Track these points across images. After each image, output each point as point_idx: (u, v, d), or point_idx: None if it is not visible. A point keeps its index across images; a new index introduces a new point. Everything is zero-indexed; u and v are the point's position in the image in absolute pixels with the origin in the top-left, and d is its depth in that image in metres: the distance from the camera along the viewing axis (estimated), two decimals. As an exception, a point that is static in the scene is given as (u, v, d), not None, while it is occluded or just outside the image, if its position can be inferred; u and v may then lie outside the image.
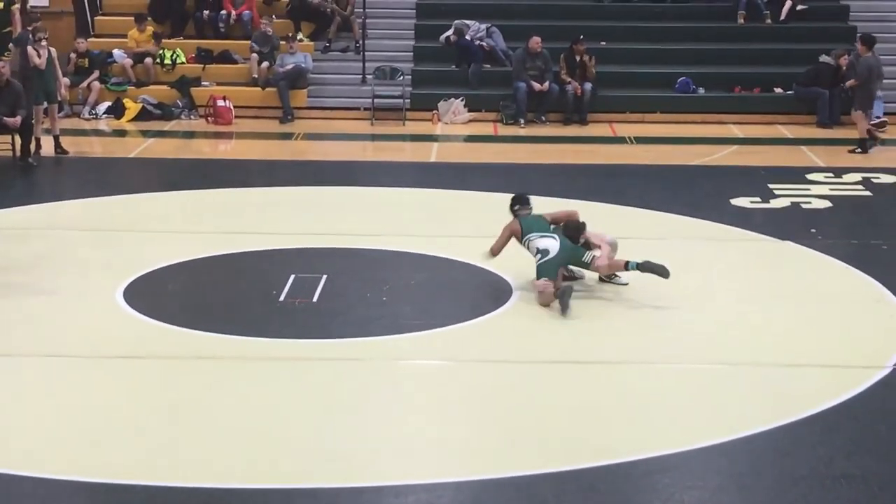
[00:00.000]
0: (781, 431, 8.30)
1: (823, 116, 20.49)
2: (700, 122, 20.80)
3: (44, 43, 17.82)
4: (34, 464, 7.70)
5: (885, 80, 20.67)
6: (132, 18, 21.80)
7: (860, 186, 15.98)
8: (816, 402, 8.76)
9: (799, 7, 22.77)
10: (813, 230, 13.56)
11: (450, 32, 22.00)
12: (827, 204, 14.99)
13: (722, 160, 18.07)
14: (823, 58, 20.79)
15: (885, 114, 20.38)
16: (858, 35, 20.09)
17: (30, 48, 17.61)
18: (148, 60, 21.32)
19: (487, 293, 11.15)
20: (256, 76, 21.11)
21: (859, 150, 18.25)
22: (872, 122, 20.14)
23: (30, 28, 18.47)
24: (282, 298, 11.01)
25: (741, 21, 22.57)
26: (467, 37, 21.71)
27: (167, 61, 21.49)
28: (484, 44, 21.80)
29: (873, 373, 9.34)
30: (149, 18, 21.84)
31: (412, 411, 8.72)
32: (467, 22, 21.95)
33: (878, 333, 10.33)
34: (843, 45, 21.24)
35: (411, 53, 22.17)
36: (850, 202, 15.20)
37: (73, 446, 8.04)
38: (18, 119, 16.59)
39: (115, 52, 21.54)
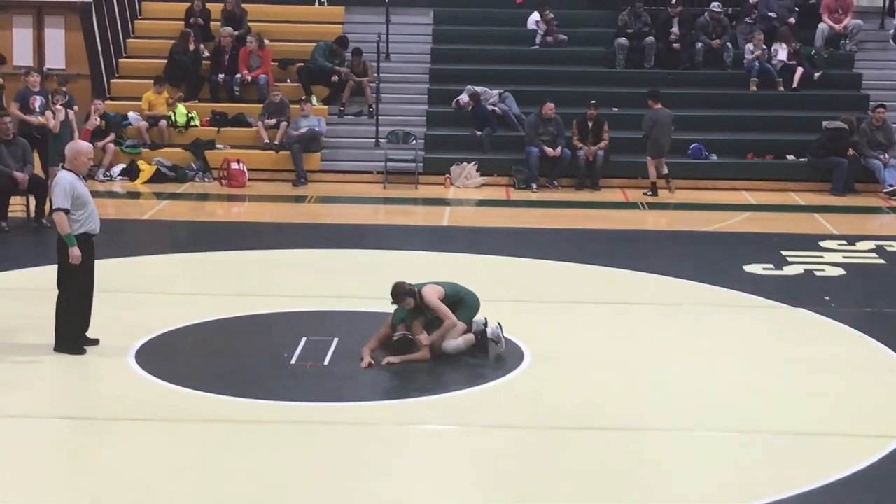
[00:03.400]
0: (795, 501, 8.23)
1: (839, 185, 20.49)
2: (712, 188, 20.83)
3: (59, 106, 17.94)
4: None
5: (897, 149, 20.84)
6: (148, 81, 21.95)
7: (874, 254, 15.95)
8: (830, 471, 8.69)
9: (816, 76, 22.86)
10: (826, 298, 13.52)
11: (462, 96, 22.12)
12: (840, 272, 14.96)
13: (735, 227, 18.08)
14: (828, 124, 20.84)
15: (899, 182, 20.40)
16: (648, 90, 20.73)
17: (48, 112, 17.74)
18: (162, 122, 21.47)
19: (498, 358, 11.11)
20: (267, 141, 21.22)
21: (650, 192, 20.13)
22: (886, 191, 20.20)
23: (50, 90, 18.63)
24: (293, 361, 10.99)
25: (753, 88, 22.65)
26: (470, 102, 21.83)
27: (180, 122, 21.62)
28: (497, 108, 21.92)
29: (887, 442, 9.27)
30: (167, 84, 21.96)
31: (421, 477, 8.66)
32: (477, 89, 22.07)
33: (892, 402, 10.27)
34: (855, 112, 21.31)
35: (424, 118, 22.29)
36: (864, 270, 15.16)
37: (82, 509, 8.00)
38: (27, 176, 16.67)
39: (131, 114, 21.68)
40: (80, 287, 11.01)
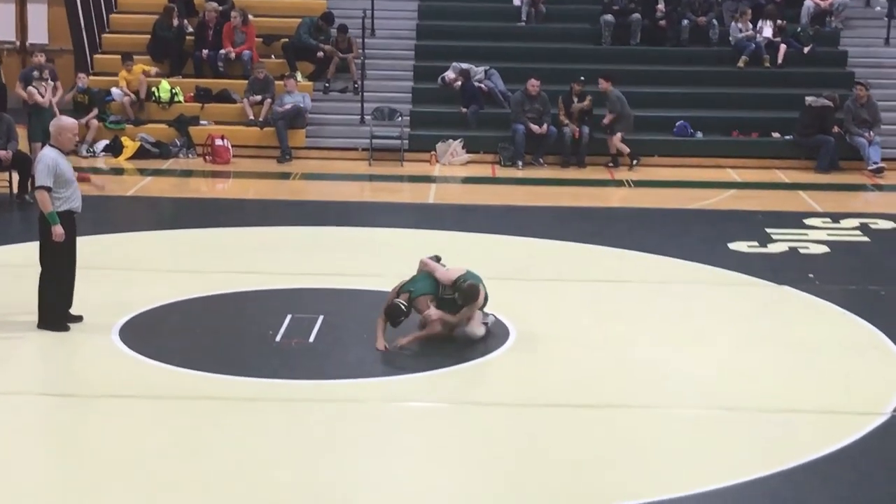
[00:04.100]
0: (779, 478, 8.25)
1: (824, 162, 20.51)
2: (698, 165, 20.83)
3: (49, 81, 17.86)
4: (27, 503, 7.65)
5: (882, 126, 20.84)
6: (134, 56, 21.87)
7: (858, 232, 15.98)
8: (814, 448, 8.72)
9: (805, 50, 22.85)
10: (810, 275, 13.55)
11: (448, 73, 22.06)
12: (825, 249, 14.99)
13: (719, 204, 18.09)
14: (811, 100, 20.83)
15: (883, 159, 20.42)
16: (601, 75, 20.90)
17: (30, 87, 17.68)
18: (141, 97, 21.41)
19: (485, 336, 11.09)
20: (252, 118, 21.16)
21: (612, 164, 20.61)
22: (870, 169, 20.23)
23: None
24: (278, 339, 10.97)
25: (741, 65, 22.62)
26: (460, 79, 21.78)
27: (164, 98, 21.53)
28: (483, 85, 21.87)
29: (871, 419, 9.31)
30: (133, 58, 21.82)
31: (407, 454, 8.67)
32: (463, 65, 22.02)
33: (876, 379, 10.30)
34: (840, 90, 21.33)
35: (410, 94, 22.23)
36: (848, 247, 15.19)
37: (64, 486, 7.98)
38: (10, 153, 16.60)
39: (114, 90, 21.58)
40: (62, 264, 10.94)
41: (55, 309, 10.94)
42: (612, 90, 20.78)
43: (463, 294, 10.74)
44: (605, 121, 20.67)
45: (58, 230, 10.72)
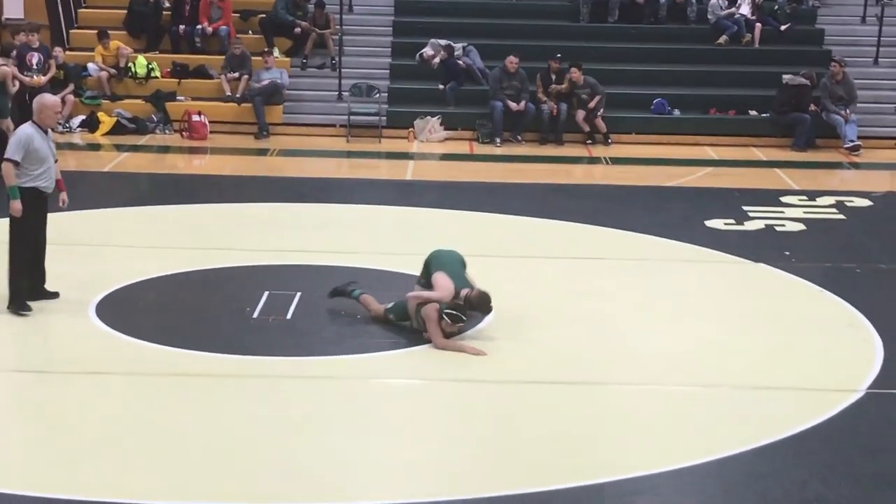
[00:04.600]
0: (755, 454, 8.30)
1: (800, 140, 20.57)
2: (675, 143, 20.86)
3: (40, 75, 17.79)
4: (1, 480, 7.62)
5: (858, 104, 20.89)
6: (110, 31, 21.72)
7: (834, 210, 16.05)
8: (790, 425, 8.77)
9: (783, 28, 22.89)
10: (786, 253, 13.60)
11: (426, 49, 22.02)
12: (801, 227, 15.04)
13: (696, 182, 18.13)
14: (788, 78, 20.87)
15: (860, 137, 20.48)
16: (572, 63, 20.73)
17: (4, 67, 17.57)
18: (113, 71, 21.32)
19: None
20: (229, 94, 21.09)
21: (590, 141, 20.67)
22: (846, 147, 20.31)
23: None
24: (255, 315, 10.96)
25: (720, 42, 22.64)
26: (444, 54, 21.75)
27: (140, 74, 21.43)
28: (461, 62, 21.83)
29: (846, 396, 9.37)
30: (109, 35, 21.70)
31: (384, 431, 8.68)
32: (442, 42, 21.97)
33: (851, 357, 10.36)
34: (816, 67, 21.37)
35: (388, 71, 22.18)
36: (824, 225, 15.26)
37: (42, 462, 7.97)
38: None
39: (90, 65, 21.46)
40: (28, 243, 10.81)
41: (20, 288, 10.78)
42: (586, 77, 20.75)
43: (478, 304, 10.51)
44: (592, 104, 20.57)
45: (15, 205, 10.57)
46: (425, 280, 10.79)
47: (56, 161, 11.04)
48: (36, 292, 10.97)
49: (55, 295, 11.07)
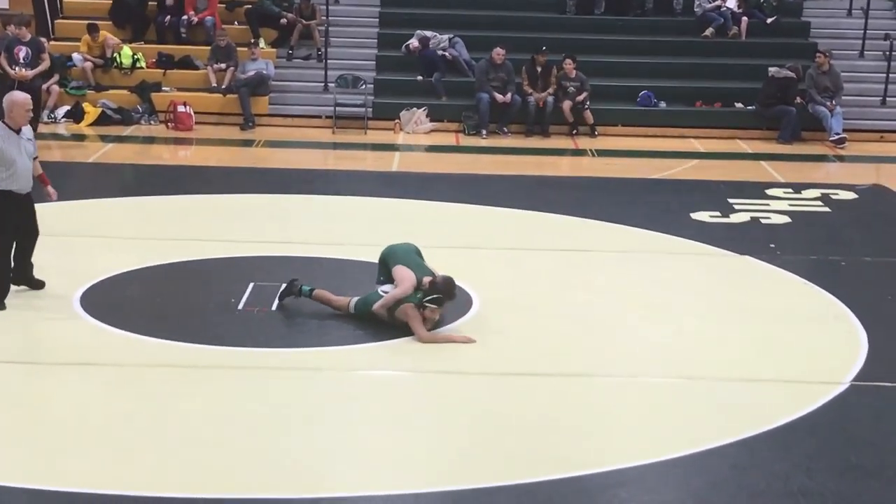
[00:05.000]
0: (739, 446, 8.32)
1: (786, 133, 20.60)
2: (661, 135, 20.89)
3: (28, 68, 17.73)
4: (-14, 472, 7.61)
5: (844, 97, 20.93)
6: (94, 21, 21.63)
7: (819, 202, 16.08)
8: (774, 417, 8.79)
9: (769, 21, 22.93)
10: (772, 245, 13.63)
11: (412, 41, 22.00)
12: (786, 219, 15.07)
13: (682, 174, 18.15)
14: (774, 71, 20.89)
15: (845, 130, 20.53)
16: (567, 54, 20.80)
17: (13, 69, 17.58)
18: (100, 61, 21.27)
19: (447, 304, 11.09)
20: (215, 85, 21.04)
21: (576, 132, 20.69)
22: (832, 139, 20.35)
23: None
24: (240, 307, 10.94)
25: (706, 34, 22.66)
26: (418, 45, 21.74)
27: (126, 64, 21.36)
28: (447, 54, 21.81)
29: (830, 389, 9.39)
30: (99, 28, 21.62)
31: (370, 422, 8.67)
32: (427, 33, 21.96)
33: (836, 349, 10.38)
34: (802, 60, 21.40)
35: (374, 62, 22.15)
36: (809, 218, 15.28)
37: (26, 454, 7.94)
38: None
39: (75, 55, 21.39)
40: (6, 243, 10.62)
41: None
42: (578, 72, 20.81)
43: (444, 290, 10.46)
44: (581, 97, 20.63)
45: None
46: (385, 278, 10.75)
47: (35, 158, 10.74)
48: (22, 278, 10.88)
49: (41, 284, 10.99)
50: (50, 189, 11.01)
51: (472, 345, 10.12)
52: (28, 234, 10.84)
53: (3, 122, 10.50)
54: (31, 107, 10.74)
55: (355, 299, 10.67)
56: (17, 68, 18.75)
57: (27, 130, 10.66)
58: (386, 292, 10.52)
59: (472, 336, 10.26)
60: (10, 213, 10.52)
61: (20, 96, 10.62)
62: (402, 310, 10.27)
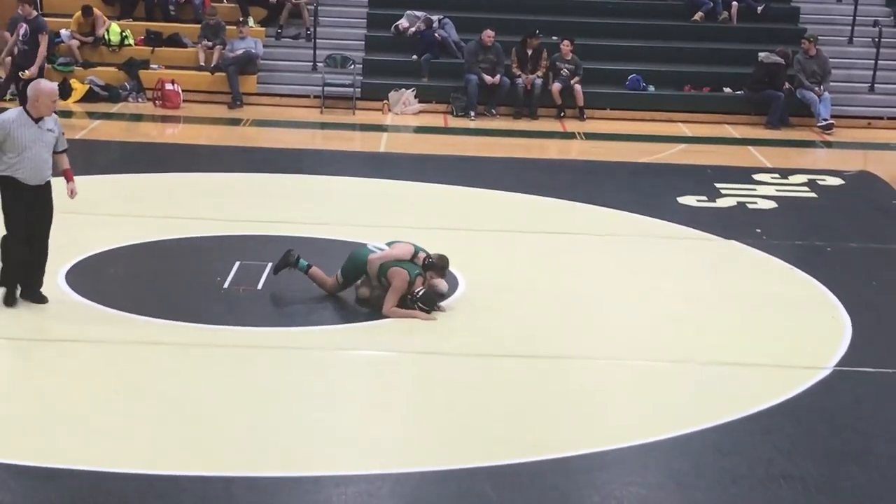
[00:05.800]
0: (722, 430, 8.35)
1: (774, 118, 20.62)
2: (649, 119, 20.88)
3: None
4: (-31, 447, 7.61)
5: (832, 83, 20.95)
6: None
7: (806, 188, 16.10)
8: (757, 401, 8.82)
9: (759, 9, 22.92)
10: (758, 230, 13.65)
11: (402, 21, 21.95)
12: (772, 205, 15.09)
13: (670, 158, 18.16)
14: (764, 56, 20.89)
15: (833, 116, 20.54)
16: (566, 37, 20.85)
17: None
18: (89, 39, 21.20)
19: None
20: (204, 63, 20.98)
21: (563, 114, 20.63)
22: (819, 125, 20.37)
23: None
24: (226, 285, 10.94)
25: (696, 19, 22.65)
26: (421, 26, 21.69)
27: (114, 41, 21.27)
28: (437, 35, 21.77)
29: (814, 373, 9.42)
30: (93, 11, 21.52)
31: (354, 402, 8.69)
32: (417, 13, 21.92)
33: (820, 334, 10.42)
34: (792, 46, 21.41)
35: (363, 42, 22.10)
36: (796, 203, 15.30)
37: (12, 430, 7.94)
38: None
39: (63, 31, 21.28)
40: (18, 234, 10.09)
41: (7, 274, 10.20)
42: (574, 56, 20.80)
43: (437, 266, 10.57)
44: (574, 81, 20.61)
45: None
46: (354, 275, 10.73)
47: (63, 151, 10.35)
48: (28, 292, 10.24)
49: (44, 299, 10.24)
50: (71, 185, 10.48)
51: (455, 327, 10.12)
52: (36, 233, 10.21)
53: (24, 108, 10.06)
54: (57, 98, 10.32)
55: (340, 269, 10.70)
56: (17, 49, 18.65)
57: (51, 122, 10.12)
58: (379, 248, 10.57)
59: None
60: (15, 201, 10.02)
61: (47, 86, 10.22)
62: (395, 271, 10.30)
